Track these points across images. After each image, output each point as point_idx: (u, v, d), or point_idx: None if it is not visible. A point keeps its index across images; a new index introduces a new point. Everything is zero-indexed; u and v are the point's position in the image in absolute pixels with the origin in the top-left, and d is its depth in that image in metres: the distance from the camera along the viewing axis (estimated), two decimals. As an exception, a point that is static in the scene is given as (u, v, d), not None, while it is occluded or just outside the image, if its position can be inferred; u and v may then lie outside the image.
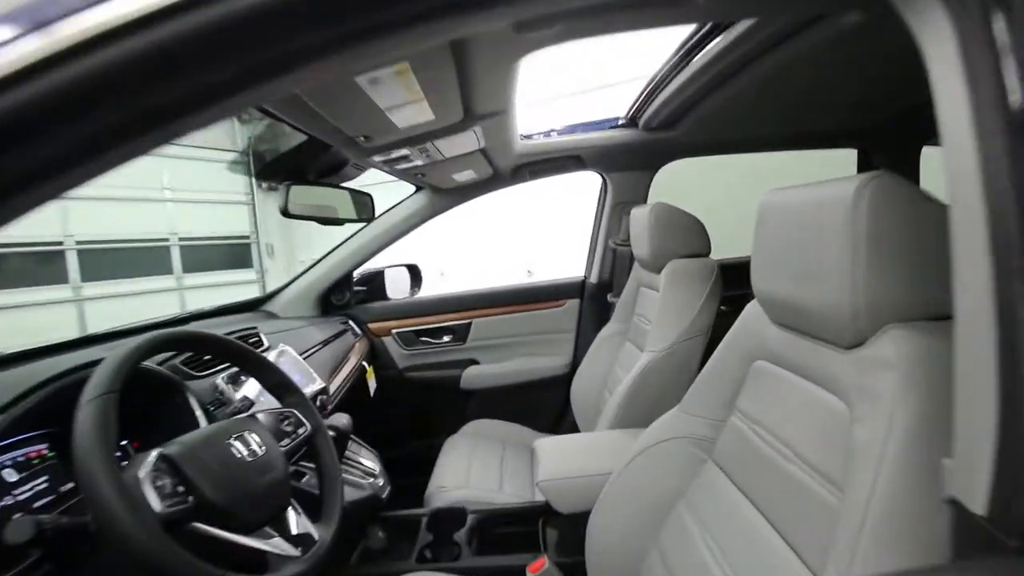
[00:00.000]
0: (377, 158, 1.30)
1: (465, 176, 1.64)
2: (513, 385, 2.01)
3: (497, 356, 2.06)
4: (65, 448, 0.86)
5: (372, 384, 1.88)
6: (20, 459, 0.78)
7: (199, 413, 0.93)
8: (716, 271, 1.41)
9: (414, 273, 2.25)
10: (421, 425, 2.07)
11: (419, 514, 1.32)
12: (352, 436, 1.34)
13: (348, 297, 1.99)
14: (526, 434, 1.87)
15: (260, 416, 0.84)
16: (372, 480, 1.21)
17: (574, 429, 1.85)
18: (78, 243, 4.98)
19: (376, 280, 2.10)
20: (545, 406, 2.06)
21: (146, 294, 5.53)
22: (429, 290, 2.19)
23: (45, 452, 0.81)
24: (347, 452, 1.25)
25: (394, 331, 2.00)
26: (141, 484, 0.59)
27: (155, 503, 0.58)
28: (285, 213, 1.36)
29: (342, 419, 1.15)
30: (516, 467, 1.62)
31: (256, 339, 1.30)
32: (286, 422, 0.87)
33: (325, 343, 1.60)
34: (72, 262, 4.97)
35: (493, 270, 5.38)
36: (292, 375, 1.24)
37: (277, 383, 0.91)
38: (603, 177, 1.93)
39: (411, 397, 2.05)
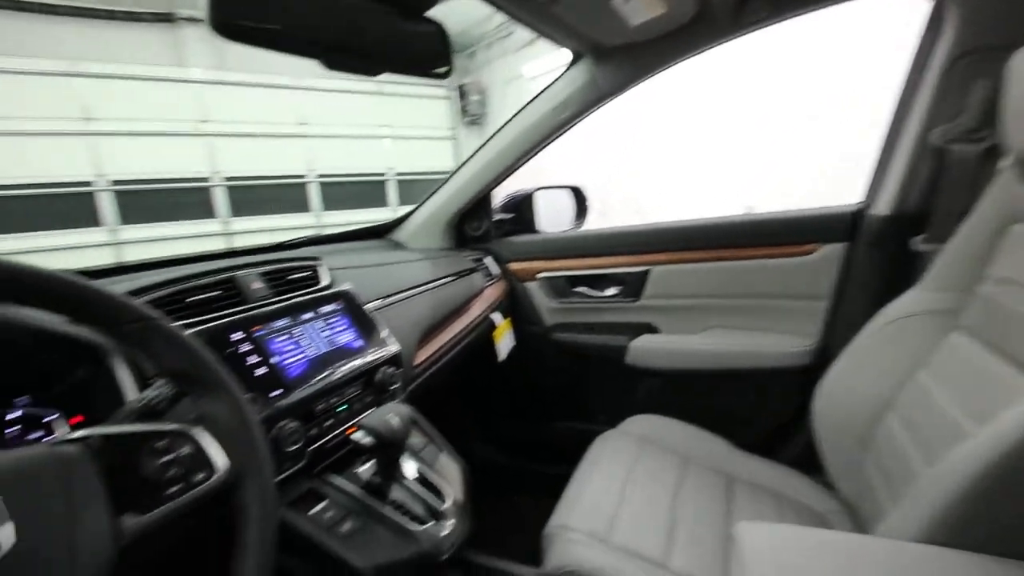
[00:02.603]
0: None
1: (649, 12, 0.94)
2: (709, 371, 1.31)
3: (687, 323, 1.37)
4: None
5: (506, 343, 1.41)
6: None
7: (127, 386, 0.56)
8: None
9: (578, 198, 1.65)
10: (564, 408, 1.55)
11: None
12: (430, 436, 0.89)
13: (486, 226, 1.51)
14: (720, 451, 1.18)
15: (101, 437, 0.40)
16: (430, 526, 0.73)
17: (808, 460, 1.09)
18: (226, 179, 5.42)
19: (525, 205, 1.57)
20: (759, 411, 1.31)
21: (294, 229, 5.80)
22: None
23: None
24: (398, 472, 0.79)
25: (541, 275, 1.47)
26: None
27: None
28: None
29: (388, 420, 0.69)
30: (700, 515, 0.98)
31: (309, 274, 0.90)
32: (169, 457, 0.42)
33: (430, 285, 1.16)
34: (220, 197, 5.44)
35: (685, 207, 4.37)
36: (343, 334, 0.83)
37: (177, 369, 0.45)
38: (938, 3, 0.98)
39: (556, 367, 1.52)
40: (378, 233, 1.53)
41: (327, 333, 0.80)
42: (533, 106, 1.24)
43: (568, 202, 1.63)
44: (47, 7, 4.51)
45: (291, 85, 5.53)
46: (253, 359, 0.68)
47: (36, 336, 0.54)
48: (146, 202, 5.00)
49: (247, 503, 0.45)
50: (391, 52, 0.64)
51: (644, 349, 1.36)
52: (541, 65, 5.23)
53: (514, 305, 1.50)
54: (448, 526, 0.75)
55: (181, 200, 5.18)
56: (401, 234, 1.51)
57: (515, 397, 1.65)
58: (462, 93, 6.48)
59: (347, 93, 5.92)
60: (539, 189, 1.55)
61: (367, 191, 6.31)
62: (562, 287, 1.44)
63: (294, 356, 0.73)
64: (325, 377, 0.74)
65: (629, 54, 1.11)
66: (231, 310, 0.72)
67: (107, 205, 4.80)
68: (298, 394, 0.69)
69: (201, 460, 0.43)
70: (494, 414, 1.68)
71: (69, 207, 4.63)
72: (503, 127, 1.32)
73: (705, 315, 1.36)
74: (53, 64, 4.43)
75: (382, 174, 6.41)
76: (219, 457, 0.44)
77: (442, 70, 0.65)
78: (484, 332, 1.31)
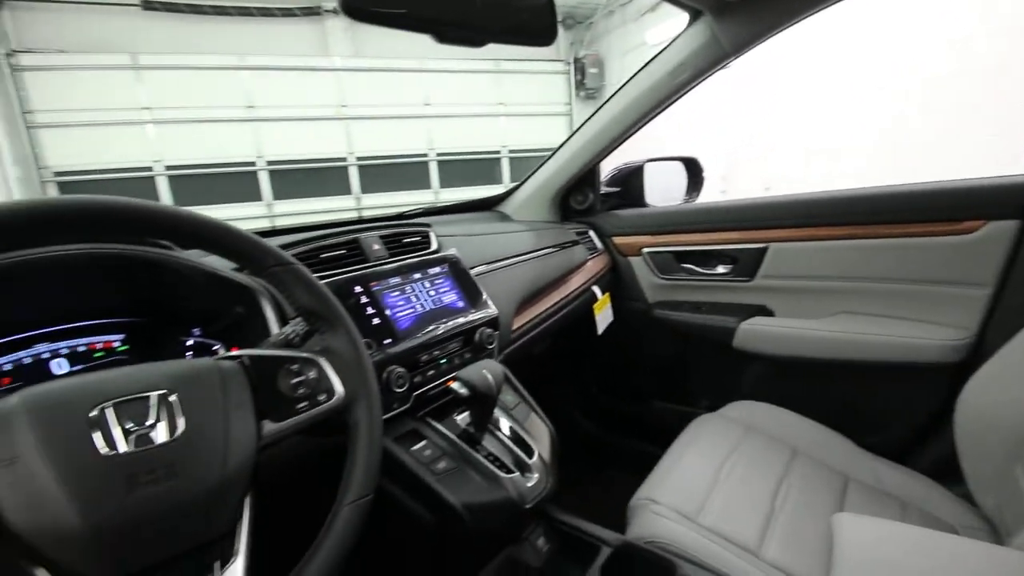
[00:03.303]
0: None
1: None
2: (831, 361, 1.19)
3: (808, 307, 1.25)
4: (142, 346, 0.74)
5: (605, 318, 1.40)
6: (81, 348, 0.66)
7: (271, 321, 0.67)
8: None
9: (691, 169, 1.57)
10: (660, 388, 1.50)
11: (597, 539, 0.84)
12: (523, 396, 0.93)
13: (592, 200, 1.50)
14: (837, 447, 1.07)
15: (250, 358, 0.49)
16: (516, 476, 0.78)
17: (944, 468, 0.95)
18: (359, 159, 5.93)
19: (633, 178, 1.53)
20: (890, 409, 1.17)
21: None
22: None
23: (115, 345, 0.68)
24: (491, 424, 0.84)
25: (646, 250, 1.43)
26: None
27: None
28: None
29: (484, 375, 0.74)
30: (803, 509, 0.91)
31: (421, 239, 0.98)
32: (299, 379, 0.50)
33: (532, 254, 1.19)
34: (354, 176, 5.96)
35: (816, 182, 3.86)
36: (447, 294, 0.90)
37: (308, 307, 0.54)
38: None
39: (655, 345, 1.48)
40: (487, 206, 1.60)
41: (433, 293, 0.88)
42: (647, 71, 1.19)
43: (680, 175, 1.56)
44: (218, 8, 5.24)
45: (416, 68, 5.85)
46: (370, 310, 0.77)
47: (210, 278, 0.66)
48: (295, 180, 5.69)
49: (357, 421, 0.52)
50: (498, 21, 0.66)
51: (755, 332, 1.28)
52: (665, 30, 4.94)
53: (615, 280, 1.48)
54: (534, 479, 0.79)
55: (323, 178, 5.81)
56: (508, 207, 1.56)
57: (611, 372, 1.64)
58: (578, 67, 6.36)
59: (466, 73, 6.12)
60: (649, 161, 1.50)
61: (481, 169, 6.53)
62: (668, 263, 1.39)
63: (404, 311, 0.81)
64: (429, 332, 0.81)
65: (753, 8, 1.02)
66: (355, 267, 0.82)
67: (265, 183, 5.55)
68: (406, 344, 0.77)
69: (324, 384, 0.51)
70: (589, 387, 1.69)
71: (236, 185, 5.44)
72: (613, 96, 1.29)
73: (832, 299, 1.23)
74: (223, 59, 5.18)
75: (496, 152, 6.57)
76: (337, 383, 0.52)
77: (546, 37, 0.66)
78: (583, 305, 1.31)
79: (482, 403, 0.77)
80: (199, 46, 5.14)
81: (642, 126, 1.29)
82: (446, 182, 6.37)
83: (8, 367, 0.61)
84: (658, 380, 1.53)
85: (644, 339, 1.49)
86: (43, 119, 4.83)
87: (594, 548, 0.83)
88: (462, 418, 0.83)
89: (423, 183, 6.28)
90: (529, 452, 0.82)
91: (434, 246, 0.98)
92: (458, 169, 6.39)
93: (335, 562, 0.46)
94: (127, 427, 0.39)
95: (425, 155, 6.22)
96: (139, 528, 0.37)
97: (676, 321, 1.41)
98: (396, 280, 0.84)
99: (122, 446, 0.38)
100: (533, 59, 6.36)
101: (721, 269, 1.33)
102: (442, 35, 0.60)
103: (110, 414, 0.38)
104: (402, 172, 6.15)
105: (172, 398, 0.41)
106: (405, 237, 0.95)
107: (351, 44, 5.66)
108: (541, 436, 0.88)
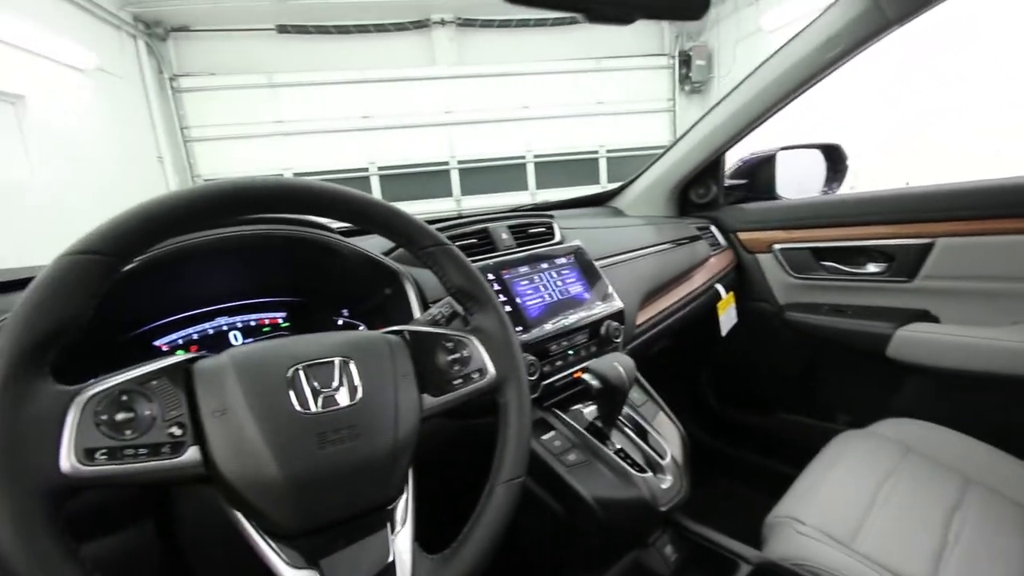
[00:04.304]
0: None
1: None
2: (1008, 376, 1.01)
3: (985, 312, 1.07)
4: (300, 323, 0.80)
5: (728, 318, 1.31)
6: (252, 323, 0.73)
7: (414, 303, 0.70)
8: None
9: (832, 159, 1.41)
10: (789, 398, 1.36)
11: (733, 554, 0.77)
12: (650, 394, 0.89)
13: (715, 193, 1.41)
14: (1018, 475, 0.90)
15: (410, 333, 0.51)
16: (649, 476, 0.74)
17: None
18: (459, 163, 6.12)
19: (763, 169, 1.42)
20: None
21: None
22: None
23: (280, 321, 0.75)
24: (624, 416, 0.81)
25: (778, 246, 1.31)
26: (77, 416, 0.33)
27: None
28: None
29: (616, 367, 0.71)
30: (984, 545, 0.77)
31: (546, 230, 0.98)
32: (455, 356, 0.51)
33: (654, 248, 1.14)
34: (455, 179, 6.15)
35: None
36: (573, 285, 0.88)
37: (460, 286, 0.54)
38: None
39: (786, 351, 1.35)
40: (598, 201, 1.56)
41: (560, 283, 0.86)
42: (789, 49, 1.09)
43: (818, 165, 1.41)
44: (341, 28, 5.71)
45: (517, 72, 5.95)
46: (501, 298, 0.78)
47: (365, 261, 0.70)
48: (402, 184, 6.05)
49: (507, 402, 0.52)
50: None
51: (916, 340, 1.11)
52: (784, 14, 4.55)
53: (741, 278, 1.38)
54: (667, 481, 0.74)
55: (427, 182, 6.13)
56: (621, 202, 1.51)
57: (730, 379, 1.53)
58: (684, 60, 6.07)
59: (564, 74, 6.10)
60: (783, 149, 1.37)
61: (578, 169, 6.46)
62: (804, 261, 1.27)
63: (533, 299, 0.81)
64: (558, 321, 0.80)
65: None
66: (486, 255, 0.83)
67: (375, 187, 5.96)
68: (536, 333, 0.77)
69: (477, 363, 0.52)
70: (704, 394, 1.59)
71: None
72: (745, 80, 1.20)
73: (1013, 304, 1.04)
74: (344, 74, 5.64)
75: (594, 152, 6.47)
76: (489, 363, 0.52)
77: (699, 10, 0.62)
78: (706, 303, 1.23)
79: (612, 396, 0.74)
80: (325, 64, 5.65)
81: (779, 110, 1.18)
82: (543, 184, 6.40)
83: (196, 337, 0.70)
84: (786, 390, 1.39)
85: (771, 344, 1.37)
86: (196, 133, 5.59)
87: (728, 562, 0.77)
88: (589, 411, 0.81)
89: (520, 185, 6.36)
90: (660, 452, 0.78)
91: (558, 237, 0.98)
92: (555, 170, 6.38)
93: (493, 539, 0.46)
94: (315, 388, 0.41)
95: (523, 157, 6.30)
96: (327, 484, 0.39)
97: (812, 325, 1.27)
98: (525, 269, 0.84)
99: (312, 406, 0.40)
100: (634, 55, 6.19)
101: (872, 268, 1.18)
102: (593, 13, 0.59)
103: (302, 375, 0.41)
104: (500, 174, 6.27)
105: (351, 364, 0.44)
106: (531, 227, 0.95)
107: (456, 53, 5.89)
108: (671, 437, 0.83)
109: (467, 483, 0.50)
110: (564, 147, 6.28)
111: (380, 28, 5.78)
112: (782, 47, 1.12)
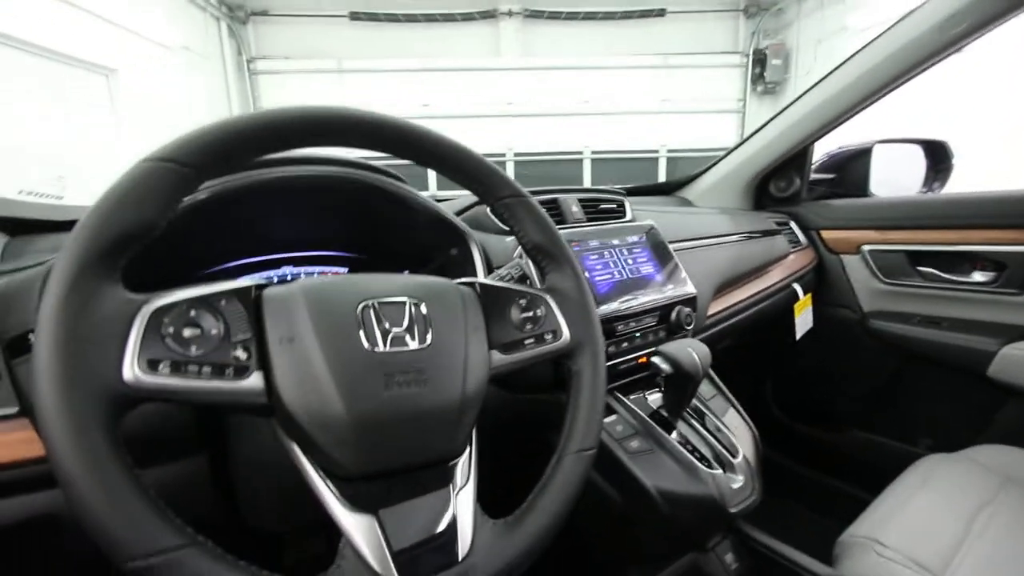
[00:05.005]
0: None
1: None
2: None
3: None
4: None
5: (804, 321, 1.21)
6: (315, 275, 0.72)
7: (480, 267, 0.67)
8: None
9: (935, 156, 1.28)
10: (863, 414, 1.25)
11: (802, 568, 0.70)
12: (720, 388, 0.83)
13: (798, 187, 1.31)
14: None
15: (481, 286, 0.47)
16: (719, 473, 0.68)
17: None
18: (515, 155, 6.01)
19: (855, 163, 1.30)
20: None
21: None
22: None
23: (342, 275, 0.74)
24: (692, 408, 0.75)
25: (868, 247, 1.19)
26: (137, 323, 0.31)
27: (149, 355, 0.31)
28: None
29: (690, 353, 0.66)
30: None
31: (617, 207, 0.92)
32: (527, 315, 0.48)
33: (729, 238, 1.06)
34: (510, 171, 5.96)
35: None
36: (645, 265, 0.83)
37: (537, 242, 0.50)
38: None
39: (868, 363, 1.23)
40: (666, 190, 1.49)
41: (631, 262, 0.81)
42: (900, 29, 0.98)
43: (918, 162, 1.28)
44: (409, 16, 5.80)
45: (582, 65, 5.86)
46: (569, 271, 0.73)
47: (432, 218, 0.68)
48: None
49: (580, 370, 0.48)
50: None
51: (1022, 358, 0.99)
52: (875, 13, 4.24)
53: (820, 280, 1.27)
54: (738, 481, 0.68)
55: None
56: (690, 192, 1.43)
57: (798, 389, 1.42)
58: (759, 59, 5.79)
59: (629, 69, 5.95)
60: (881, 142, 1.25)
61: (637, 168, 6.30)
62: (898, 265, 1.15)
63: (602, 275, 0.76)
64: (627, 301, 0.75)
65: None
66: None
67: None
68: (604, 309, 0.72)
69: (551, 323, 0.48)
70: (766, 403, 1.48)
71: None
72: (841, 66, 1.09)
73: None
74: (406, 62, 5.73)
75: (655, 151, 6.30)
76: (564, 326, 0.48)
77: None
78: (781, 303, 1.14)
79: (683, 384, 0.68)
80: (390, 51, 5.76)
81: (883, 96, 1.07)
82: (599, 181, 6.29)
83: (263, 282, 0.70)
84: (861, 406, 1.28)
85: (849, 354, 1.25)
86: (268, 114, 5.86)
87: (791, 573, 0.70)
88: (654, 399, 0.76)
89: (576, 182, 6.28)
90: (732, 450, 0.72)
91: (629, 215, 0.92)
92: (612, 168, 6.25)
93: (560, 511, 0.42)
94: (385, 327, 0.39)
95: (580, 153, 6.20)
96: (389, 426, 0.37)
97: (900, 336, 1.16)
98: (595, 244, 0.79)
99: (380, 344, 0.38)
100: (705, 52, 5.96)
101: (978, 277, 1.06)
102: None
103: (372, 312, 0.39)
104: (556, 169, 6.21)
105: (423, 307, 0.41)
106: (601, 203, 0.90)
107: (521, 44, 5.86)
108: (743, 437, 0.76)
109: (528, 459, 0.46)
110: (623, 144, 6.13)
111: (447, 17, 5.83)
112: (891, 27, 1.01)
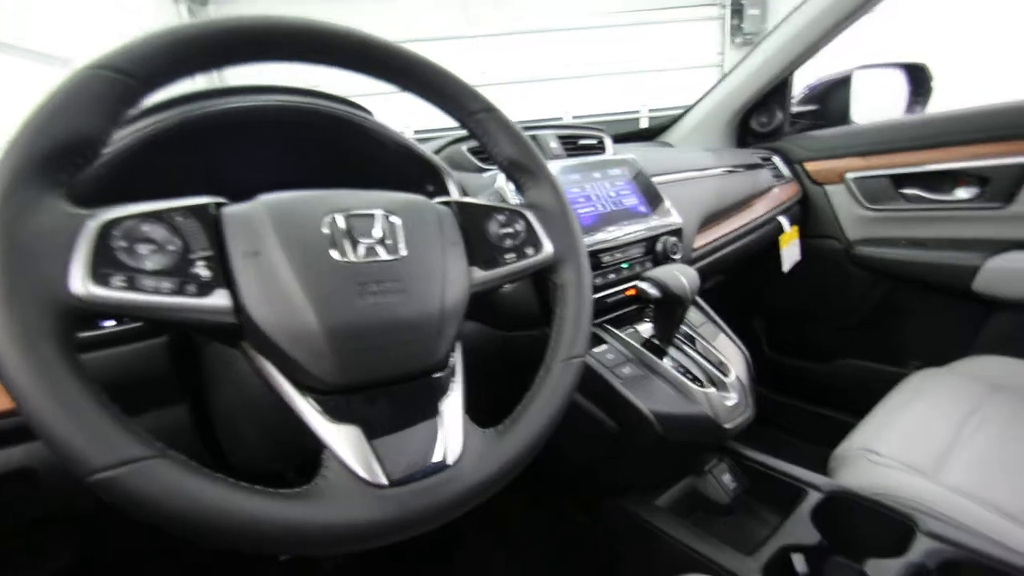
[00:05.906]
0: None
1: None
2: None
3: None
4: None
5: (791, 254, 1.21)
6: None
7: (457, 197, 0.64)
8: None
9: (916, 78, 1.27)
10: (855, 343, 1.27)
11: (801, 482, 0.71)
12: (709, 315, 0.83)
13: (780, 120, 1.29)
14: None
15: (458, 204, 0.46)
16: (712, 392, 0.68)
17: None
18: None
19: (836, 93, 1.28)
20: None
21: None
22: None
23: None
24: (682, 334, 0.75)
25: (852, 175, 1.19)
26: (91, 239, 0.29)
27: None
28: None
29: (677, 276, 0.65)
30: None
31: (597, 143, 0.90)
32: (507, 231, 0.46)
33: (712, 171, 1.05)
34: None
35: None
36: (628, 198, 0.81)
37: (511, 157, 0.49)
38: None
39: (854, 292, 1.24)
40: (646, 136, 1.47)
41: (614, 194, 0.80)
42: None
43: (900, 86, 1.26)
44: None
45: (556, 27, 5.71)
46: (550, 204, 0.72)
47: (401, 152, 0.65)
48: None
49: (565, 282, 0.47)
50: None
51: (1009, 272, 1.00)
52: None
53: (806, 212, 1.27)
54: (732, 398, 0.68)
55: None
56: (671, 136, 1.41)
57: (789, 326, 1.43)
58: (736, 9, 5.68)
59: (603, 28, 5.82)
60: (860, 68, 1.24)
61: (619, 130, 6.23)
62: (882, 190, 1.14)
63: (584, 208, 0.75)
64: (611, 232, 0.74)
65: None
66: None
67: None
68: (588, 240, 0.71)
69: (532, 237, 0.47)
70: (758, 344, 1.50)
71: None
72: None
73: None
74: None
75: (636, 112, 6.21)
76: (546, 239, 0.47)
77: None
78: (767, 236, 1.14)
79: (672, 308, 0.68)
80: (359, 25, 5.56)
81: (859, 17, 1.05)
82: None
83: (221, 200, 0.66)
84: (853, 334, 1.29)
85: (836, 284, 1.26)
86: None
87: (794, 490, 0.71)
88: (645, 328, 0.75)
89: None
90: (723, 371, 0.72)
91: (610, 151, 0.90)
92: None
93: (551, 418, 0.41)
94: (355, 239, 0.37)
95: (559, 119, 6.11)
96: (367, 336, 0.35)
97: (886, 260, 1.16)
98: (576, 177, 0.77)
99: (351, 255, 0.36)
100: (683, 6, 5.82)
101: (962, 194, 1.06)
102: None
103: (341, 224, 0.37)
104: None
105: (395, 219, 0.39)
106: (581, 138, 0.88)
107: (493, 10, 5.69)
108: (734, 358, 0.76)
109: (512, 395, 0.45)
110: (604, 107, 6.03)
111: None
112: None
